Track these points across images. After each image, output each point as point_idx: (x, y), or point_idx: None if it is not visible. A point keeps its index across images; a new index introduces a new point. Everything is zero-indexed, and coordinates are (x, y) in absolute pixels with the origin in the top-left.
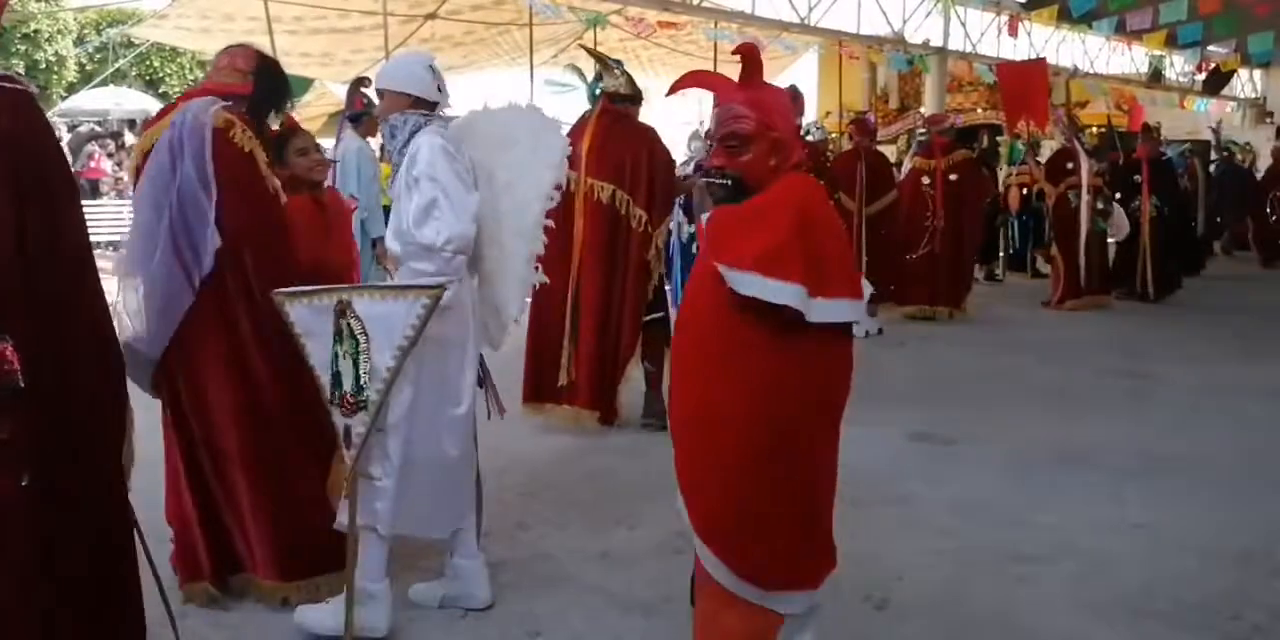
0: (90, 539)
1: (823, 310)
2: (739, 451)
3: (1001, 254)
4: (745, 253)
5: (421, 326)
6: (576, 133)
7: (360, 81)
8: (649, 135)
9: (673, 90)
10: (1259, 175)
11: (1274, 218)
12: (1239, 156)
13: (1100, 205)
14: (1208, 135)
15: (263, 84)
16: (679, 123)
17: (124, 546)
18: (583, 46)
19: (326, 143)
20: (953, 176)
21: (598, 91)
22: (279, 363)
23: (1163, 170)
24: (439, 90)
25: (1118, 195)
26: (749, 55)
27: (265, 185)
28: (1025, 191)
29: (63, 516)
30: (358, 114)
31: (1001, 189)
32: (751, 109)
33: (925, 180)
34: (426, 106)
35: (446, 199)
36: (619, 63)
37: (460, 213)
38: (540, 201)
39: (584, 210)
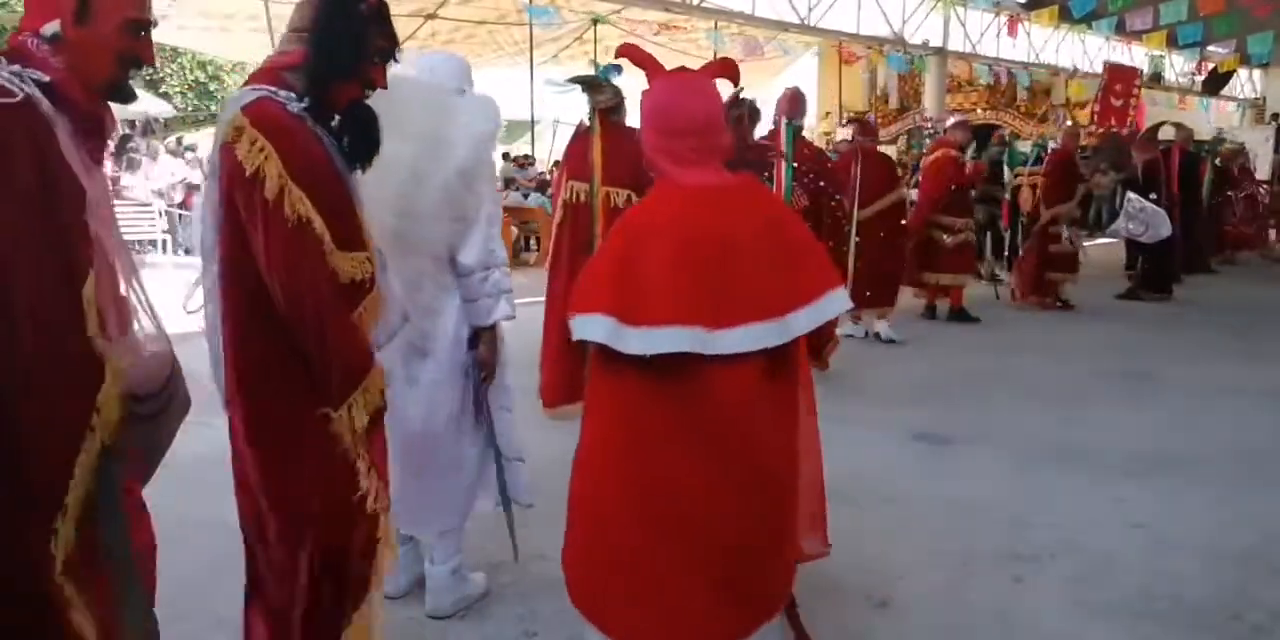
0: None
1: (639, 340)
2: (591, 489)
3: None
4: (574, 293)
5: None
6: (581, 144)
7: None
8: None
9: (618, 55)
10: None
11: (1234, 216)
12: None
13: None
14: (1206, 136)
15: (323, 42)
16: None
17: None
18: (577, 80)
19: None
20: None
21: (591, 105)
22: None
23: (1184, 169)
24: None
25: (1152, 195)
26: (626, 56)
27: (291, 216)
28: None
29: None
30: None
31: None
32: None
33: None
34: None
35: None
36: (606, 73)
37: None
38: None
39: (603, 215)
